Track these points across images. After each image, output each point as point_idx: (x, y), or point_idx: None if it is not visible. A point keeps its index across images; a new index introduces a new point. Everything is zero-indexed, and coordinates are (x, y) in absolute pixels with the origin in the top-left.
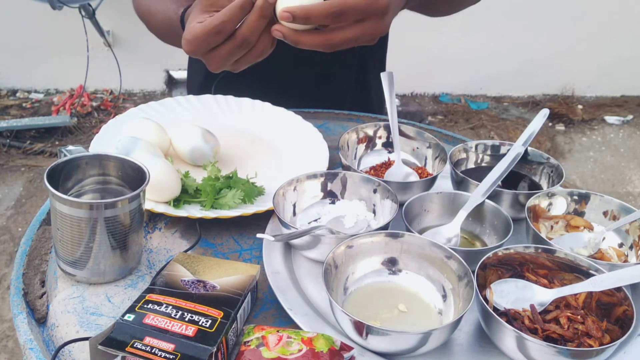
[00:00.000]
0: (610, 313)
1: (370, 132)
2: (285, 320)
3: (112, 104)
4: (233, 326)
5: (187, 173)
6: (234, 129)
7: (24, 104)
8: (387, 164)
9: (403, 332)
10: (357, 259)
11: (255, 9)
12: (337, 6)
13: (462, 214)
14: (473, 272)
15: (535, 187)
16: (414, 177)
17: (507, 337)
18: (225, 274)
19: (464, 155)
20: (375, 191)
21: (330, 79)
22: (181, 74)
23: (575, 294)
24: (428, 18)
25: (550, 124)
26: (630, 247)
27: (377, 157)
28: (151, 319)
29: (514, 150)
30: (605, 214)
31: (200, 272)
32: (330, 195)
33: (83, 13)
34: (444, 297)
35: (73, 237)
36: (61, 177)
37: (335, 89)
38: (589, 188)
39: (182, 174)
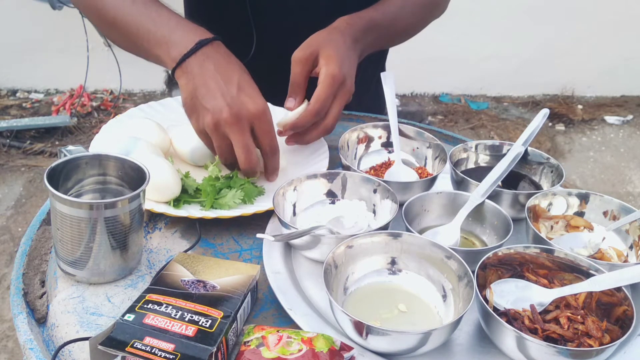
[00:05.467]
0: (610, 313)
1: (370, 132)
2: (285, 320)
3: (112, 104)
4: (233, 326)
5: (188, 173)
6: None
7: (24, 104)
8: (387, 164)
9: (403, 332)
10: (357, 259)
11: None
12: (314, 108)
13: (462, 214)
14: (473, 272)
15: (535, 187)
16: (414, 177)
17: (507, 337)
18: (225, 274)
19: (464, 155)
20: (375, 191)
21: None
22: None
23: (575, 294)
24: None
25: (550, 124)
26: (630, 247)
27: (377, 157)
28: (151, 319)
29: (514, 150)
30: (605, 214)
31: (200, 272)
32: (330, 195)
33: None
34: (444, 297)
35: (73, 237)
36: (61, 177)
37: None
38: (589, 188)
39: (182, 174)
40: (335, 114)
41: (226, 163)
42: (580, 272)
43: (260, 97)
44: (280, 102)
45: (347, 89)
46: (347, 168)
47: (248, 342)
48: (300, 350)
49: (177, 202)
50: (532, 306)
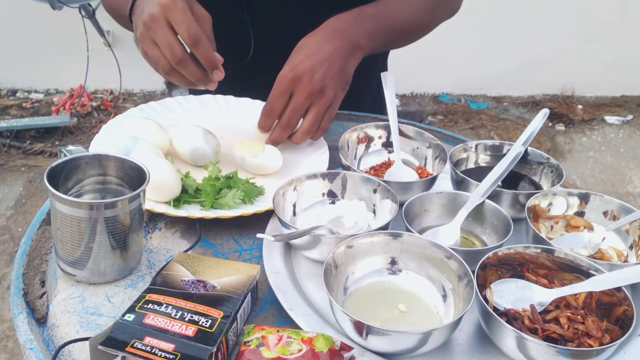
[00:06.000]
0: (610, 313)
1: (370, 132)
2: (285, 320)
3: (112, 104)
4: (233, 326)
5: (188, 173)
6: (234, 129)
7: (24, 104)
8: (387, 164)
9: (403, 332)
10: (357, 259)
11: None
12: (264, 107)
13: (462, 214)
14: (473, 272)
15: (535, 187)
16: (414, 177)
17: (507, 337)
18: (225, 274)
19: (464, 155)
20: (375, 191)
21: None
22: None
23: (575, 294)
24: None
25: (550, 124)
26: (630, 247)
27: (377, 157)
28: (151, 319)
29: (514, 150)
30: (605, 214)
31: (200, 272)
32: (330, 195)
33: (83, 13)
34: (444, 297)
35: (73, 237)
36: (61, 177)
37: None
38: (589, 188)
39: (182, 174)
40: (312, 117)
41: (165, 72)
42: (580, 272)
43: None
44: None
45: (305, 84)
46: (347, 168)
47: (248, 342)
48: (300, 350)
49: (177, 202)
50: (532, 306)
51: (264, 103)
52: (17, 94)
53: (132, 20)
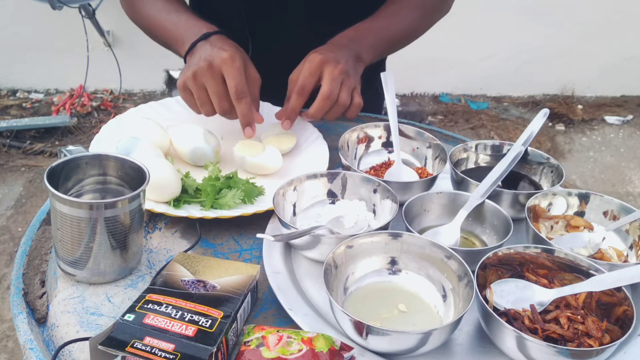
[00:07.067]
0: (610, 313)
1: (370, 132)
2: (285, 320)
3: (112, 104)
4: (233, 326)
5: (188, 173)
6: (234, 129)
7: (24, 104)
8: (387, 164)
9: (403, 332)
10: (357, 259)
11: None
12: (298, 85)
13: (462, 214)
14: (473, 272)
15: (535, 187)
16: (414, 177)
17: (507, 337)
18: (225, 274)
19: (464, 155)
20: (375, 191)
21: None
22: None
23: (575, 294)
24: None
25: (550, 124)
26: (630, 247)
27: (377, 157)
28: (151, 319)
29: (514, 150)
30: (605, 214)
31: (200, 272)
32: (330, 195)
33: (83, 13)
34: (444, 297)
35: (73, 237)
36: (61, 177)
37: None
38: (589, 188)
39: (182, 174)
40: (345, 91)
41: (207, 114)
42: (580, 272)
43: (233, 49)
44: (275, 103)
45: (333, 65)
46: (347, 168)
47: (248, 342)
48: (300, 350)
49: (177, 202)
50: (532, 306)
51: (263, 103)
52: (17, 94)
53: (185, 60)
